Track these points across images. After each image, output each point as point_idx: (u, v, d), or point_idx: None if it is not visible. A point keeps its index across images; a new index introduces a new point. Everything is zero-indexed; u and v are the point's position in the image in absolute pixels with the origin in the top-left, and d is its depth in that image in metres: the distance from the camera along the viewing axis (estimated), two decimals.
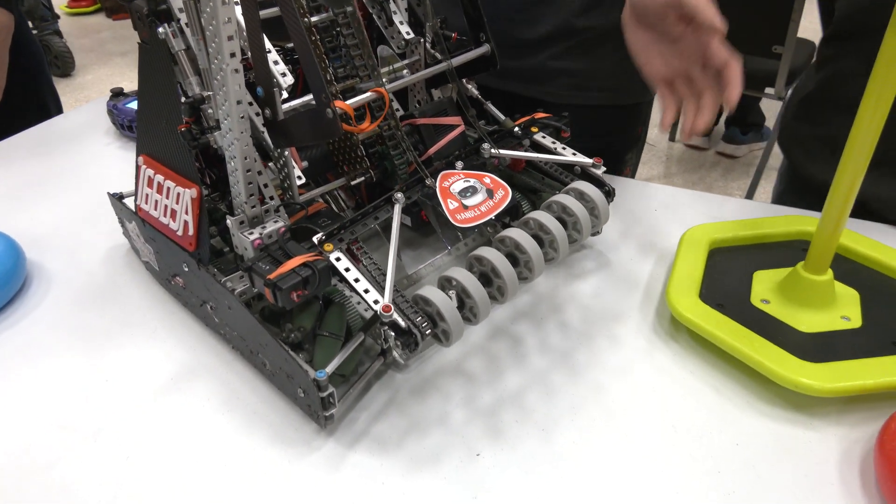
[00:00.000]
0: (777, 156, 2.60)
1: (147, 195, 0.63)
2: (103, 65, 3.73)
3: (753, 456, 0.51)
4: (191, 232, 0.58)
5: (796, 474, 0.50)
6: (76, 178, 0.93)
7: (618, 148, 0.97)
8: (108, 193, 0.72)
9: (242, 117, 0.52)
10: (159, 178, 0.61)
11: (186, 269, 0.61)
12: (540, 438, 0.53)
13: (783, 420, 0.54)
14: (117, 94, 0.99)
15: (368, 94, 0.56)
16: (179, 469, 0.52)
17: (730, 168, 2.57)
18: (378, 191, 0.67)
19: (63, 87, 3.33)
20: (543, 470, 0.51)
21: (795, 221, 0.71)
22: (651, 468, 0.51)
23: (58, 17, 3.59)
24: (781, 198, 0.96)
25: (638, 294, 0.68)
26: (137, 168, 0.64)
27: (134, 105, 0.97)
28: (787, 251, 0.68)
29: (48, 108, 1.21)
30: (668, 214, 0.80)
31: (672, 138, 2.79)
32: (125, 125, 0.97)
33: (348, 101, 0.54)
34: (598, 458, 0.52)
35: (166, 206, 0.60)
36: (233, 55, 0.48)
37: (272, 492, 0.50)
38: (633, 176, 1.05)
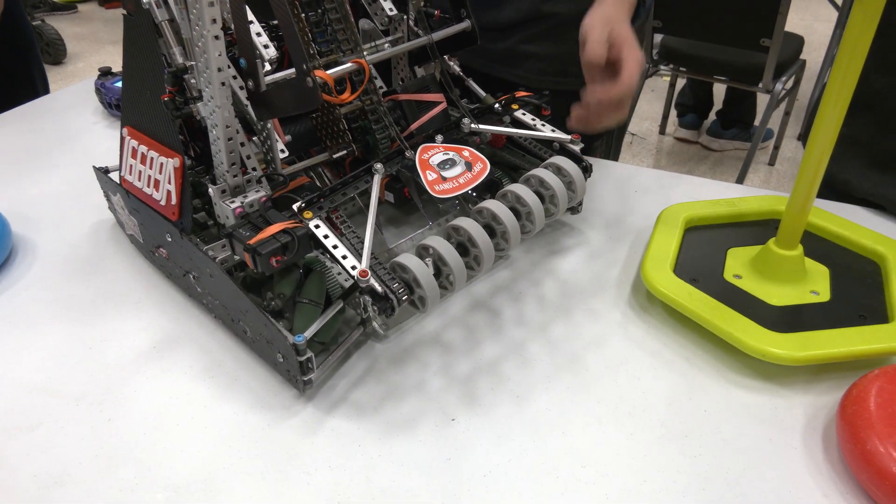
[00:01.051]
0: (766, 150, 2.62)
1: (131, 166, 0.63)
2: (94, 53, 3.72)
3: (720, 422, 0.53)
4: (174, 201, 0.59)
5: (761, 439, 0.51)
6: (63, 154, 0.94)
7: (586, 135, 0.99)
8: (94, 167, 0.72)
9: (223, 84, 0.52)
10: (143, 148, 0.62)
11: (170, 239, 0.62)
12: (514, 405, 0.55)
13: (751, 389, 0.55)
14: (105, 72, 0.99)
15: (349, 64, 0.57)
16: (160, 432, 0.53)
17: (718, 161, 2.59)
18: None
19: (54, 75, 3.31)
20: (516, 434, 0.52)
21: (770, 201, 0.72)
22: (621, 432, 0.52)
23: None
24: None
25: (615, 270, 0.69)
26: (122, 140, 0.65)
27: (121, 84, 0.97)
28: (762, 229, 0.70)
29: (36, 87, 1.22)
30: (649, 195, 0.82)
31: (662, 131, 2.81)
32: (113, 104, 0.98)
33: (328, 72, 0.55)
34: (570, 422, 0.53)
35: (150, 177, 0.61)
36: (213, 21, 0.49)
37: (251, 454, 0.51)
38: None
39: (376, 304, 0.52)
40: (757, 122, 2.58)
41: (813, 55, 2.70)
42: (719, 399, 0.55)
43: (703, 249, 0.67)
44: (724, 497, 0.47)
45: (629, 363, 0.58)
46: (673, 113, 2.78)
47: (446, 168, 0.59)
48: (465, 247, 0.57)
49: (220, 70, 0.52)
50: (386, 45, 0.67)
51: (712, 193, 0.80)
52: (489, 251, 0.56)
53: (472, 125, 0.64)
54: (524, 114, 0.69)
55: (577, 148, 0.65)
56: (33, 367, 0.59)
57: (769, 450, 0.50)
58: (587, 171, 0.64)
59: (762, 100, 2.44)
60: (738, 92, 2.45)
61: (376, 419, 0.54)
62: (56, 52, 3.49)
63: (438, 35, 0.65)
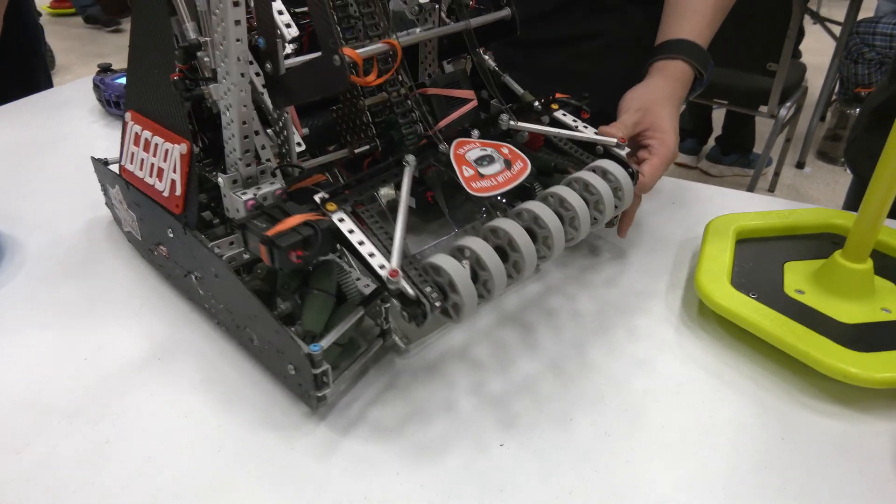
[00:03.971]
0: (765, 177, 2.57)
1: (133, 154, 0.57)
2: (83, 65, 3.68)
3: (802, 450, 0.46)
4: (178, 192, 0.53)
5: (850, 469, 0.45)
6: (57, 152, 0.87)
7: None
8: (92, 157, 0.66)
9: (240, 60, 0.47)
10: (147, 134, 0.55)
11: (171, 236, 0.55)
12: (560, 429, 0.48)
13: (829, 413, 0.49)
14: (105, 69, 0.94)
15: (379, 44, 0.52)
16: (160, 454, 0.46)
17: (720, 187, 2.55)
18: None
19: None
20: (572, 463, 0.45)
21: (824, 214, 0.67)
22: (693, 461, 0.45)
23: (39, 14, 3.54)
24: None
25: (662, 284, 0.63)
26: (124, 125, 0.59)
27: (121, 81, 0.92)
28: (818, 243, 0.64)
29: (39, 87, 1.16)
30: (686, 207, 0.76)
31: None
32: (111, 101, 0.92)
33: (357, 51, 0.49)
34: (633, 450, 0.46)
35: (153, 165, 0.55)
36: None
37: (256, 477, 0.44)
38: None
39: (405, 309, 0.46)
40: (756, 149, 2.56)
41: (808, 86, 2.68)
42: (796, 425, 0.48)
43: (758, 262, 0.61)
44: None
45: (690, 384, 0.52)
46: None
47: (484, 165, 0.54)
48: (503, 251, 0.50)
49: (238, 41, 0.46)
50: (417, 30, 0.61)
51: (753, 206, 0.75)
52: (531, 256, 0.50)
53: (512, 122, 0.58)
54: (564, 114, 0.63)
55: (622, 152, 0.60)
56: (20, 379, 0.52)
57: (861, 482, 0.44)
58: (634, 176, 0.58)
59: (761, 126, 2.41)
60: (738, 118, 2.43)
61: (400, 442, 0.47)
62: None
63: (476, 21, 0.60)
